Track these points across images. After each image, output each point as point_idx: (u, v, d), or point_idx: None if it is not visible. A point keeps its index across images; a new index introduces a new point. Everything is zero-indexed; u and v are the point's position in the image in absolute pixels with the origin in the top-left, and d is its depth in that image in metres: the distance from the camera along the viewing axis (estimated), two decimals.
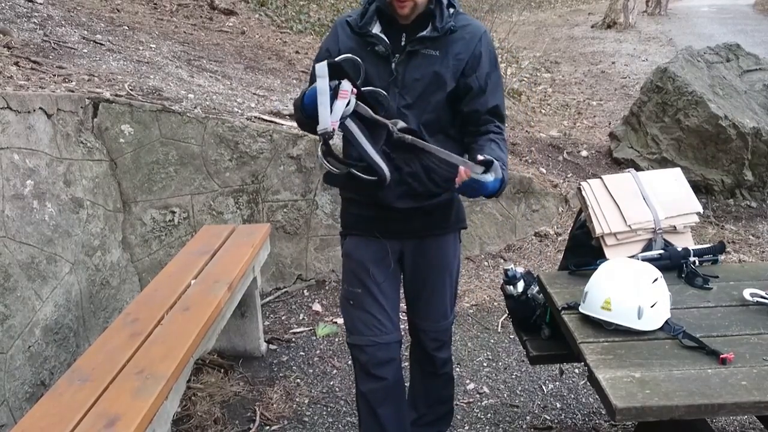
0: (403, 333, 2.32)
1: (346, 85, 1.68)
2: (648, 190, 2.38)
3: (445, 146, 1.84)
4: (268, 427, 2.71)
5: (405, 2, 1.82)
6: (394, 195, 1.97)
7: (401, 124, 1.79)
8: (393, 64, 1.89)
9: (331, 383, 3.01)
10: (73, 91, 3.28)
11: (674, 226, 2.33)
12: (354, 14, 1.95)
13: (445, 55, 1.89)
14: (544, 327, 2.36)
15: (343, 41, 1.93)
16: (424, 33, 1.88)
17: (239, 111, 3.83)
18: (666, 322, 1.87)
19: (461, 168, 1.69)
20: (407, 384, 2.46)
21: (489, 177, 1.68)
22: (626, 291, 1.86)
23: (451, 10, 1.91)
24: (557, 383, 2.96)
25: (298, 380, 3.04)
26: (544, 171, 4.75)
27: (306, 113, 1.79)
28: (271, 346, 3.32)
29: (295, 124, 3.75)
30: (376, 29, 1.90)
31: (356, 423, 2.72)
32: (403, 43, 1.89)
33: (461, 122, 1.98)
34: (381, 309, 2.11)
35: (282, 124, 3.78)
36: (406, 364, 2.77)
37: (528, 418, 2.75)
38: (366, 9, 1.91)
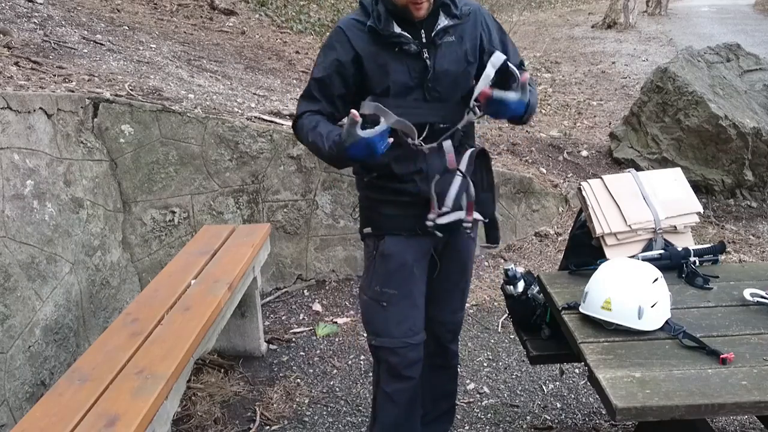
0: None
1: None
2: (648, 190, 2.38)
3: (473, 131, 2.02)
4: (268, 427, 2.71)
5: (421, 4, 1.81)
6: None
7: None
8: (427, 61, 1.89)
9: (332, 383, 3.01)
10: (73, 91, 3.28)
11: (674, 226, 2.33)
12: (359, 17, 1.91)
13: (461, 38, 1.93)
14: (544, 327, 2.36)
15: (361, 47, 1.88)
16: (447, 23, 1.90)
17: (239, 111, 3.83)
18: (666, 322, 1.87)
19: (484, 88, 1.79)
20: None
21: (511, 95, 1.79)
22: (626, 291, 1.86)
23: None
24: (557, 383, 2.96)
25: (298, 380, 3.03)
26: (545, 171, 4.75)
27: (351, 159, 1.82)
28: (271, 346, 3.32)
29: None
30: (396, 29, 1.88)
31: (357, 423, 2.72)
32: (424, 39, 1.89)
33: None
34: (416, 309, 2.10)
35: (282, 124, 3.78)
36: None
37: (528, 418, 2.75)
38: (377, 12, 1.87)
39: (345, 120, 1.77)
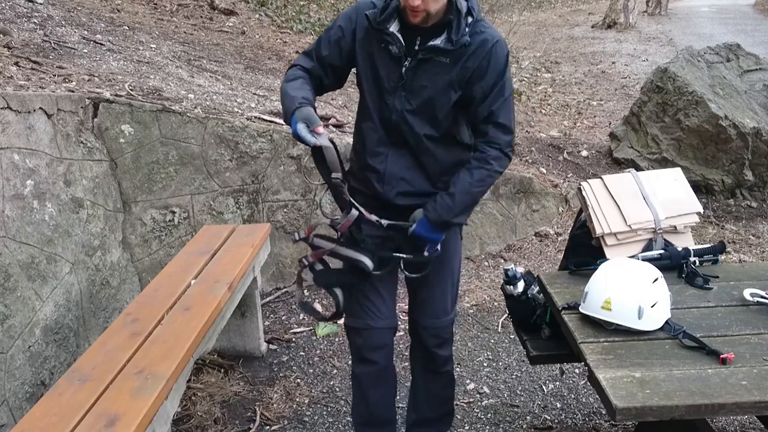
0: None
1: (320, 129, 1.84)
2: (648, 190, 2.38)
3: (452, 151, 2.00)
4: (268, 427, 2.71)
5: (418, 12, 1.80)
6: (393, 193, 2.01)
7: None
8: (404, 68, 1.89)
9: (331, 383, 3.01)
10: (73, 91, 3.28)
11: (674, 226, 2.33)
12: (377, 3, 1.91)
13: (455, 64, 1.88)
14: (544, 327, 2.36)
15: (360, 30, 1.93)
16: (438, 43, 1.86)
17: (239, 111, 3.83)
18: (666, 322, 1.87)
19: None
20: (407, 384, 2.49)
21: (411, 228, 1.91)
22: (626, 291, 1.86)
23: (470, 19, 1.86)
24: (557, 383, 2.96)
25: (298, 380, 3.03)
26: (545, 171, 4.75)
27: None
28: (271, 346, 3.32)
29: None
30: (393, 27, 1.88)
31: None
32: (416, 47, 1.88)
33: (471, 129, 2.02)
34: (378, 295, 2.17)
35: (282, 124, 3.78)
36: (407, 364, 2.77)
37: (528, 418, 2.74)
38: (387, 4, 1.88)
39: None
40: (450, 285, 2.23)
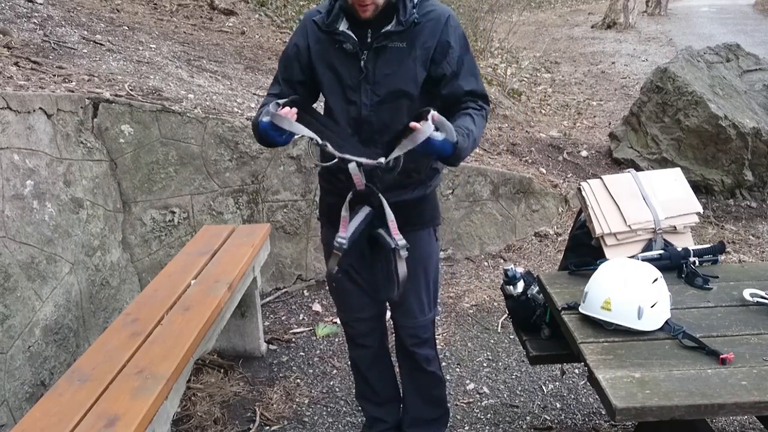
0: None
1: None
2: (648, 190, 2.38)
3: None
4: (268, 427, 2.72)
5: (367, 6, 1.82)
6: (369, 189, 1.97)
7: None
8: (362, 62, 1.90)
9: (331, 383, 3.01)
10: (73, 91, 3.28)
11: (674, 226, 2.33)
12: (321, 10, 1.94)
13: (412, 46, 1.89)
14: (544, 327, 2.36)
15: (312, 38, 1.95)
16: (389, 28, 1.87)
17: (239, 111, 3.83)
18: (666, 322, 1.87)
19: (413, 123, 1.71)
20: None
21: (438, 135, 1.72)
22: (626, 291, 1.86)
23: (415, 0, 1.90)
24: (557, 383, 2.96)
25: (298, 380, 3.04)
26: (544, 171, 4.75)
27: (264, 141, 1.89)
28: (271, 346, 3.32)
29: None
30: (342, 26, 1.90)
31: (356, 423, 2.73)
32: (369, 39, 1.89)
33: (442, 106, 1.97)
34: (360, 290, 2.25)
35: None
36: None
37: (528, 418, 2.75)
38: (332, 5, 1.91)
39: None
40: (424, 286, 2.21)
